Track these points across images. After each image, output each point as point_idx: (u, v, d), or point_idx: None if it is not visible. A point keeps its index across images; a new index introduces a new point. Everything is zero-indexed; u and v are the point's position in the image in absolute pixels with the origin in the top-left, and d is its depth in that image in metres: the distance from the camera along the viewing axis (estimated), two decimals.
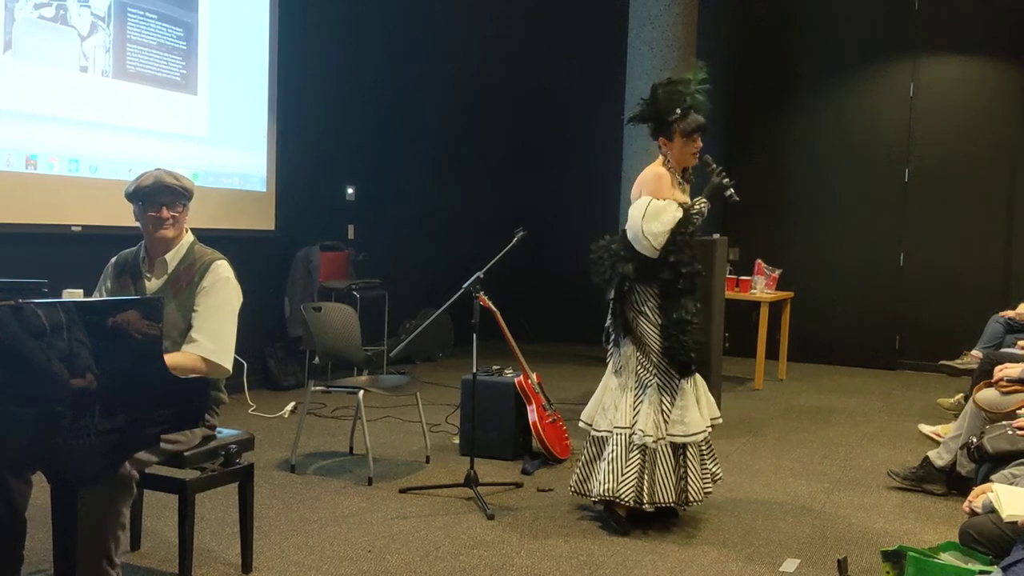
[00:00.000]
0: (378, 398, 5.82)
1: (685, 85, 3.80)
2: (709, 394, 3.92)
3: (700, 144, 3.81)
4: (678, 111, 3.73)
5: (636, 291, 3.73)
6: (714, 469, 3.92)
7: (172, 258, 3.09)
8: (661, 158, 3.82)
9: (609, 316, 3.84)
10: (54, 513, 2.41)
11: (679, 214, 3.64)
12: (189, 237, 3.15)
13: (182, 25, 5.88)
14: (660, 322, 3.69)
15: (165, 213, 3.04)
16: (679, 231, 3.65)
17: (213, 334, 2.99)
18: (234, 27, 6.34)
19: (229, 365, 3.03)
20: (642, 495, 3.66)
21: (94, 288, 3.20)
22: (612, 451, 3.70)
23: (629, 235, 3.69)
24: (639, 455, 3.67)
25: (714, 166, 3.87)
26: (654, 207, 3.63)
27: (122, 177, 3.39)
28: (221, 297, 3.05)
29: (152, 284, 3.07)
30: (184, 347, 2.96)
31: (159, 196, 3.02)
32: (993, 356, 4.99)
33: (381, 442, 5.10)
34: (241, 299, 3.14)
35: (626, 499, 3.65)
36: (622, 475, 3.67)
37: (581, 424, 3.93)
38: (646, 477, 3.66)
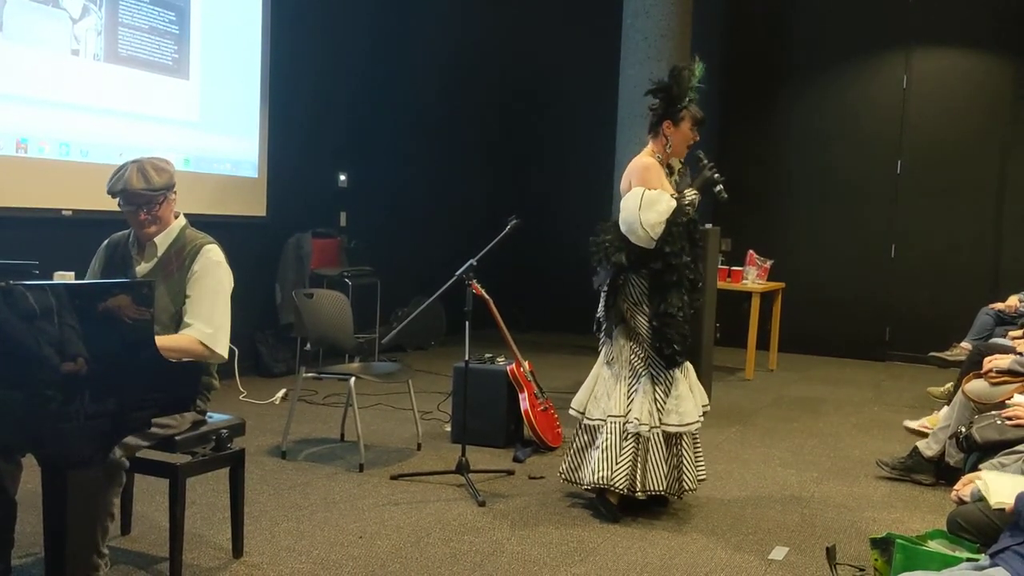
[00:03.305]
0: (369, 385, 5.81)
1: (693, 77, 3.80)
2: (698, 382, 3.95)
3: (699, 136, 3.84)
4: (688, 98, 3.76)
5: (631, 283, 3.73)
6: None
7: (162, 241, 3.06)
8: (650, 148, 3.82)
9: (601, 306, 3.85)
10: (45, 497, 2.40)
11: (673, 203, 3.64)
12: (180, 221, 3.12)
13: (174, 9, 5.84)
14: (650, 313, 3.71)
15: (142, 216, 3.00)
16: (674, 221, 3.63)
17: (209, 318, 2.98)
18: (226, 11, 6.30)
19: (225, 351, 3.02)
20: (635, 483, 3.68)
21: (86, 271, 3.18)
22: (606, 439, 3.72)
23: (623, 227, 3.66)
24: (633, 443, 3.69)
25: (705, 161, 3.86)
26: (648, 197, 3.61)
27: (113, 161, 3.38)
28: (213, 281, 3.03)
29: (142, 268, 3.05)
30: (181, 331, 2.95)
31: (131, 199, 2.97)
32: (983, 348, 5.02)
33: (372, 429, 5.10)
34: (232, 283, 3.12)
35: (620, 487, 3.67)
36: (616, 463, 3.68)
37: (571, 412, 3.94)
38: (639, 465, 3.69)
